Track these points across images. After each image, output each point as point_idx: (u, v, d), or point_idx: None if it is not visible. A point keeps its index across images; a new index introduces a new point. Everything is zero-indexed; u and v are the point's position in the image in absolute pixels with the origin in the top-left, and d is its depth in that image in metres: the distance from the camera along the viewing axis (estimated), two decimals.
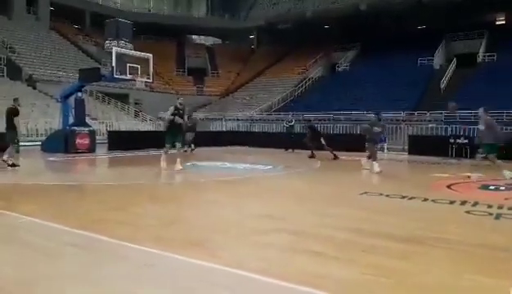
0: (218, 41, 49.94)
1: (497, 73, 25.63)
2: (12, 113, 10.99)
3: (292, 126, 20.11)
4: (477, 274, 3.61)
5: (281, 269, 3.65)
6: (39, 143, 17.33)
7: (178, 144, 10.99)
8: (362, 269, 3.67)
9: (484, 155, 10.21)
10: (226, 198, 7.34)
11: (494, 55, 28.88)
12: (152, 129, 26.76)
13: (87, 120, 17.12)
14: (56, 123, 18.00)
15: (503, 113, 20.18)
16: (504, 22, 34.31)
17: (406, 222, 5.60)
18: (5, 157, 10.64)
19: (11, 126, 10.99)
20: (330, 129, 22.96)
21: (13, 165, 10.69)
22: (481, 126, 10.17)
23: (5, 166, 10.50)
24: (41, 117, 23.00)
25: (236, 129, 26.94)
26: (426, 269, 3.73)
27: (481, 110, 10.52)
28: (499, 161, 10.01)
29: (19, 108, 11.17)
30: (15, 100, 11.34)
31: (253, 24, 43.56)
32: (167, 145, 10.79)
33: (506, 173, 9.67)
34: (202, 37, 49.61)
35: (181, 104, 10.88)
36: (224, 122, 28.63)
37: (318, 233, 4.94)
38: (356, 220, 5.71)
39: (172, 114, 10.65)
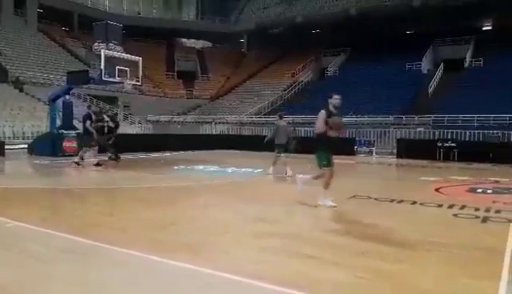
0: (209, 44, 49.93)
1: (484, 78, 26.00)
2: (86, 118, 12.02)
3: None
4: (467, 277, 3.65)
5: (276, 274, 3.63)
6: (25, 146, 17.09)
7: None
8: (357, 272, 3.67)
9: (280, 155, 11.10)
10: (218, 202, 7.30)
11: (481, 61, 29.30)
12: (141, 132, 26.64)
13: (75, 123, 16.93)
14: (43, 126, 17.79)
15: (490, 117, 20.46)
16: (490, 28, 34.88)
17: (397, 225, 5.62)
18: (76, 159, 12.10)
19: (85, 131, 12.10)
20: None
21: (78, 163, 11.99)
22: (274, 129, 11.38)
23: (78, 166, 11.82)
24: (28, 119, 22.72)
25: (226, 132, 26.91)
26: (420, 272, 3.75)
27: (277, 117, 11.95)
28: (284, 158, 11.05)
29: (92, 113, 12.32)
30: (89, 106, 12.32)
31: (243, 27, 43.65)
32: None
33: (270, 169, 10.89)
34: (192, 40, 49.54)
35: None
36: (214, 126, 28.58)
37: (312, 236, 4.95)
38: (347, 223, 5.72)
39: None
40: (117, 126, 14.08)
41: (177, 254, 4.08)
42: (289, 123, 13.70)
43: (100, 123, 12.59)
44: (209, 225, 5.51)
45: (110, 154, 13.57)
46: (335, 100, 6.85)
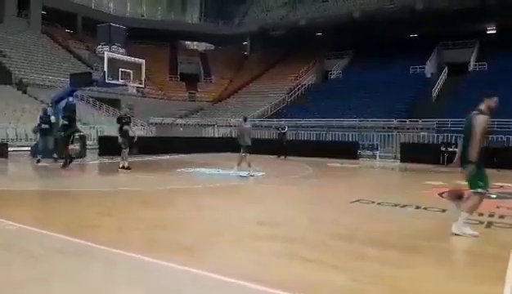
0: (211, 47, 49.98)
1: (488, 81, 25.82)
2: (119, 120, 12.22)
3: (284, 134, 20.07)
4: (469, 282, 3.61)
5: (275, 276, 3.60)
6: (28, 148, 17.09)
7: None
8: (357, 276, 3.63)
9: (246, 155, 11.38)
10: (219, 205, 7.27)
11: (485, 64, 29.19)
12: (143, 134, 26.60)
13: (78, 125, 16.91)
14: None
15: (494, 121, 20.32)
16: (494, 32, 34.74)
17: (399, 230, 5.58)
18: (121, 164, 11.88)
19: (121, 133, 12.05)
20: (323, 136, 22.99)
21: (124, 167, 11.74)
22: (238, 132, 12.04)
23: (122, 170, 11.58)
24: (31, 121, 22.71)
25: (229, 135, 26.88)
26: (420, 277, 3.71)
27: (241, 120, 12.61)
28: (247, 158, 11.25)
29: (127, 115, 12.48)
30: (122, 109, 12.08)
31: (246, 30, 43.68)
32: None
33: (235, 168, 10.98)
34: (195, 42, 49.61)
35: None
36: (216, 129, 28.54)
37: (312, 240, 4.91)
38: (349, 227, 5.67)
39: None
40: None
41: (174, 256, 4.06)
42: (253, 126, 14.54)
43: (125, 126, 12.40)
44: (208, 227, 5.49)
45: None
46: (494, 101, 5.44)
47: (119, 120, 12.31)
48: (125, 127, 12.09)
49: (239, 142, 11.60)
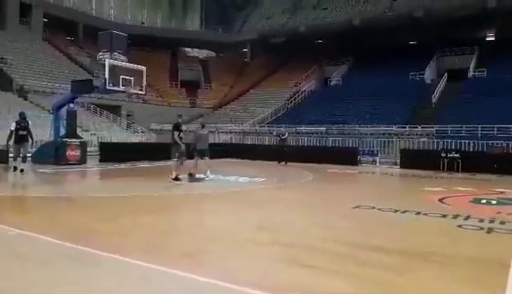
0: (212, 54, 50.17)
1: (487, 88, 25.97)
2: (175, 128, 11.07)
3: (285, 139, 20.12)
4: (471, 288, 3.62)
5: (274, 282, 3.60)
6: (29, 154, 17.11)
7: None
8: (357, 282, 3.64)
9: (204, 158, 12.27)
10: (220, 211, 7.29)
11: (484, 71, 29.28)
12: (144, 141, 26.67)
13: (79, 131, 16.97)
14: (46, 135, 17.84)
15: (493, 127, 20.39)
16: (493, 38, 34.92)
17: (400, 236, 5.60)
18: (173, 175, 10.74)
19: (173, 141, 11.00)
20: (323, 142, 23.04)
21: (176, 179, 10.69)
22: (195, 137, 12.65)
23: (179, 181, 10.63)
24: (32, 128, 22.75)
25: (229, 141, 26.91)
26: (422, 283, 3.71)
27: (199, 126, 13.30)
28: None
29: (179, 123, 11.24)
30: (180, 115, 11.66)
31: (246, 37, 43.86)
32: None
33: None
34: (196, 49, 49.80)
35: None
36: (217, 135, 28.58)
37: (312, 246, 4.92)
38: (349, 233, 5.69)
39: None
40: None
41: (174, 262, 4.07)
42: (209, 131, 15.57)
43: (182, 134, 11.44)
44: (209, 233, 5.51)
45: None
46: None
47: (177, 127, 11.10)
48: (181, 135, 11.20)
49: (196, 147, 12.33)
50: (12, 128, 11.66)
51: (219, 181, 11.81)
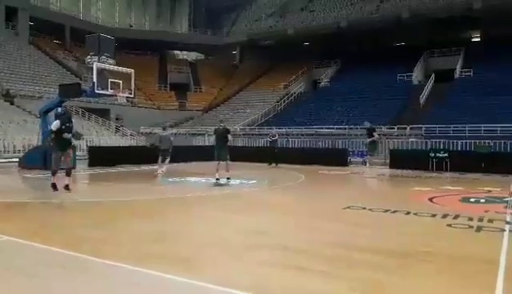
0: (201, 56, 50.10)
1: (474, 88, 26.34)
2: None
3: (275, 141, 20.14)
4: (462, 287, 3.65)
5: (268, 286, 3.60)
6: (16, 159, 16.90)
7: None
8: (351, 283, 3.65)
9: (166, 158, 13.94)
10: (212, 214, 7.26)
11: (470, 71, 29.67)
12: (133, 144, 26.47)
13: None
14: (34, 139, 17.63)
15: (480, 126, 20.64)
16: (479, 39, 35.43)
17: (391, 236, 5.63)
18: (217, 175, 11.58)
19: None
20: (312, 144, 23.10)
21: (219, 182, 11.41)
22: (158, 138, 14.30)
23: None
24: (18, 133, 22.50)
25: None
26: (413, 283, 3.74)
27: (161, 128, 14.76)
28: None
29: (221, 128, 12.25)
30: (221, 121, 12.74)
31: (235, 39, 43.86)
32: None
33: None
34: (185, 52, 49.70)
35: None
36: (207, 138, 28.50)
37: (306, 248, 4.92)
38: (342, 234, 5.70)
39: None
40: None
41: (168, 266, 4.04)
42: (172, 134, 17.17)
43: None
44: (202, 237, 5.47)
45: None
46: None
47: (227, 132, 12.23)
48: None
49: (159, 147, 13.89)
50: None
51: (210, 184, 11.76)
